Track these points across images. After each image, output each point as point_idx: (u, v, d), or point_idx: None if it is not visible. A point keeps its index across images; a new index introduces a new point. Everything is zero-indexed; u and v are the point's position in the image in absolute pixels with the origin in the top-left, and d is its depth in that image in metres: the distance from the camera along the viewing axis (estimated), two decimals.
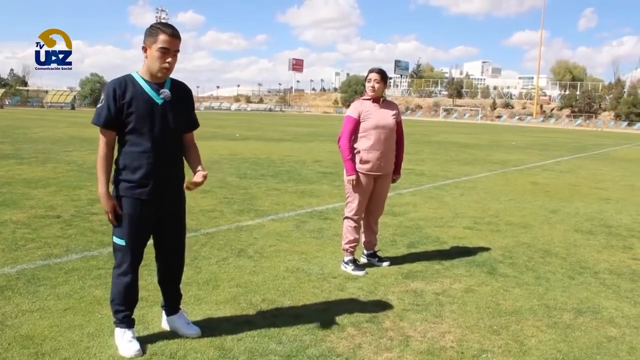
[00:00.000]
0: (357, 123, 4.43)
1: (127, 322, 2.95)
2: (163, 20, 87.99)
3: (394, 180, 4.76)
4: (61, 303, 3.47)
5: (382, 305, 3.71)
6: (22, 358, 2.75)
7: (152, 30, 2.78)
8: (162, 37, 2.75)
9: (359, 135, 4.45)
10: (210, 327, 3.19)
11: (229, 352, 2.91)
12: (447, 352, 3.04)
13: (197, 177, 2.88)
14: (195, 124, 3.09)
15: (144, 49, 2.81)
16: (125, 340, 2.88)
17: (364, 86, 4.53)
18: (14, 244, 4.78)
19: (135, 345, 2.86)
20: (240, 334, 3.12)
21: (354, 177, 4.41)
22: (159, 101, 2.84)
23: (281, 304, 3.64)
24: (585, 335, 3.35)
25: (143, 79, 2.84)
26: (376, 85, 4.42)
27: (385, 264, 4.64)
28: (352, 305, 3.68)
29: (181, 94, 2.96)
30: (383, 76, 4.46)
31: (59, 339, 2.96)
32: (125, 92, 2.77)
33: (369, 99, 4.48)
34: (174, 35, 2.79)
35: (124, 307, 2.95)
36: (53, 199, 6.86)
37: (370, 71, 4.46)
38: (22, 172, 9.17)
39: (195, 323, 3.20)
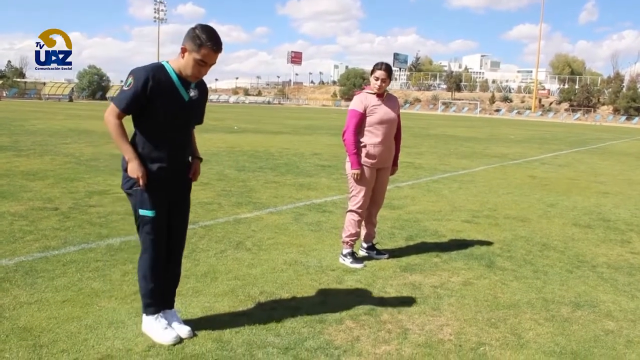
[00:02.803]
0: (362, 117, 4.41)
1: (160, 305, 2.98)
2: (161, 12, 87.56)
3: (392, 172, 4.76)
4: (59, 295, 3.47)
5: (380, 298, 3.72)
6: (20, 350, 2.75)
7: (197, 40, 2.69)
8: (204, 52, 2.71)
9: (365, 129, 4.43)
10: (208, 320, 3.19)
11: (227, 344, 2.91)
12: (445, 345, 3.05)
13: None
14: (202, 120, 3.16)
15: (183, 50, 2.74)
16: (160, 327, 2.92)
17: (364, 79, 4.51)
18: (11, 236, 4.77)
19: (172, 332, 2.91)
20: (238, 326, 3.12)
21: (359, 171, 4.40)
22: (187, 98, 2.87)
23: (279, 297, 3.64)
24: (582, 329, 3.36)
25: (175, 72, 2.81)
26: (383, 84, 4.39)
27: (384, 256, 4.64)
28: (350, 298, 3.69)
29: (202, 90, 3.00)
30: (389, 73, 4.43)
31: (57, 331, 2.96)
32: (157, 83, 2.73)
33: (373, 93, 4.45)
34: (218, 51, 2.75)
35: (156, 286, 2.95)
36: (51, 191, 6.84)
37: (378, 68, 4.39)
38: (19, 164, 9.14)
39: (193, 315, 3.21)
